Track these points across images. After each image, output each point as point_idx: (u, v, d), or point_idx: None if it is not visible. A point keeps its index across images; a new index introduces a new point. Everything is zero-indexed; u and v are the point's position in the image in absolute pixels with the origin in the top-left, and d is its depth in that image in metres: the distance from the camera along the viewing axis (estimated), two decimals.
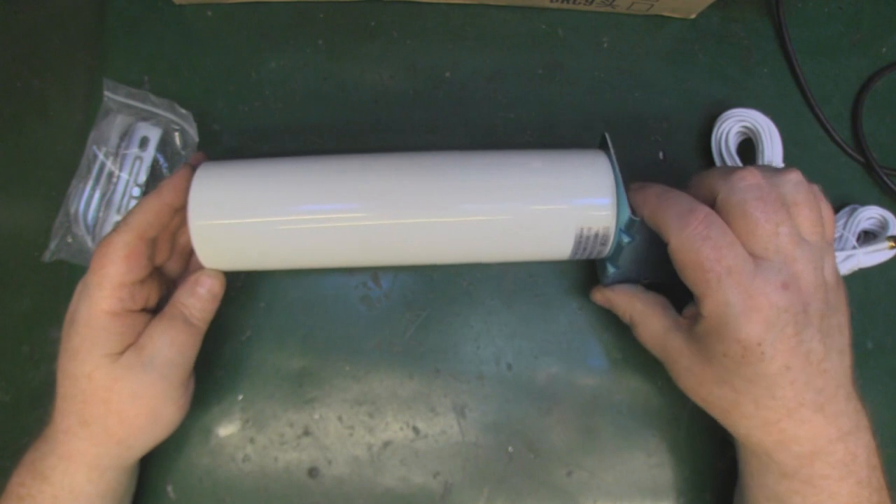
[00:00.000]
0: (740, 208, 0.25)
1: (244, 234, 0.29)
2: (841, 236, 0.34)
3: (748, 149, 0.35)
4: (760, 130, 0.34)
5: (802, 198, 0.26)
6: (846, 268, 0.34)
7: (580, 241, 0.30)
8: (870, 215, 0.34)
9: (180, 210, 0.29)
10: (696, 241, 0.25)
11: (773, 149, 0.34)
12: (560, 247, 0.30)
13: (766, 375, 0.25)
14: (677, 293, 0.29)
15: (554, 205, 0.29)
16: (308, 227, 0.29)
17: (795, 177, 0.26)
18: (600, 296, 0.32)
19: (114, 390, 0.27)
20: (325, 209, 0.29)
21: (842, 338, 0.26)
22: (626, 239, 0.29)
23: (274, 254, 0.30)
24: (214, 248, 0.29)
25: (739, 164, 0.34)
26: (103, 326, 0.27)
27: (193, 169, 0.29)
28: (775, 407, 0.25)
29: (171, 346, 0.28)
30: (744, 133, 0.35)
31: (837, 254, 0.34)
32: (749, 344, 0.24)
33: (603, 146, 0.31)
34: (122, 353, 0.27)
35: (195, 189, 0.29)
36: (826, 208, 0.27)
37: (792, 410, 0.25)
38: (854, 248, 0.34)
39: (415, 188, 0.29)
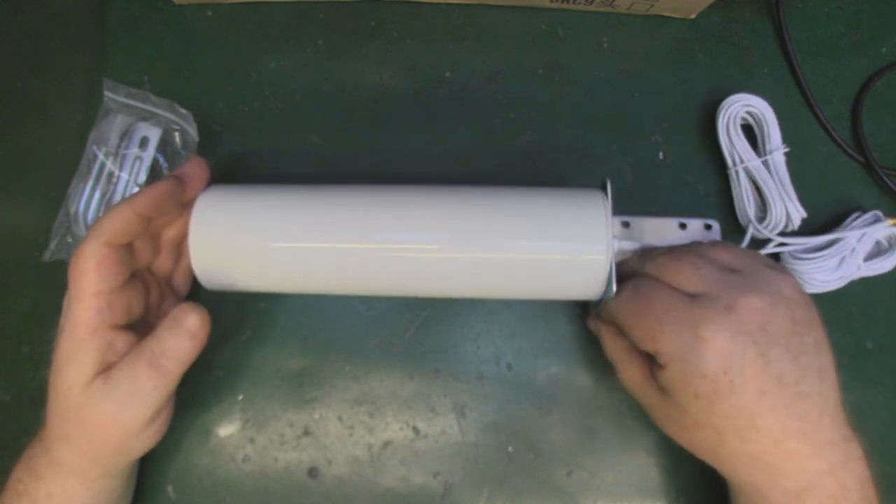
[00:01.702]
0: (659, 269, 0.27)
1: (242, 257, 0.29)
2: (853, 250, 0.34)
3: (747, 136, 0.35)
4: (763, 116, 0.35)
5: (709, 245, 0.28)
6: (845, 277, 0.34)
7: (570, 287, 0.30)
8: (887, 232, 0.34)
9: (154, 219, 0.28)
10: (628, 298, 0.27)
11: (773, 134, 0.34)
12: (551, 289, 0.30)
13: (742, 405, 0.24)
14: None
15: (547, 249, 0.29)
16: (309, 253, 0.29)
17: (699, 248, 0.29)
18: (593, 325, 0.32)
19: (83, 414, 0.26)
20: (323, 238, 0.29)
21: (819, 357, 0.25)
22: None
23: (269, 277, 0.30)
24: (213, 266, 0.30)
25: (746, 144, 0.35)
26: (83, 340, 0.26)
27: (179, 181, 0.29)
28: (759, 439, 0.24)
29: (132, 383, 0.26)
30: (744, 119, 0.35)
31: (834, 260, 0.34)
32: (715, 376, 0.24)
33: (603, 188, 0.30)
34: (98, 374, 0.26)
35: (197, 213, 0.30)
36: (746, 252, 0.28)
37: (777, 441, 0.24)
38: (859, 267, 0.34)
39: (419, 222, 0.29)
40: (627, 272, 0.29)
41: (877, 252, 0.35)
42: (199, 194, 0.30)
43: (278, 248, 0.29)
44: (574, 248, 0.29)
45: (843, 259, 0.33)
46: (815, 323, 0.26)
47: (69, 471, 0.27)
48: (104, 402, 0.26)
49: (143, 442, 0.28)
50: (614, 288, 0.28)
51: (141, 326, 0.30)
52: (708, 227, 0.33)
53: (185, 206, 0.31)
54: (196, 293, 0.34)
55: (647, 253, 0.29)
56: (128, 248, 0.28)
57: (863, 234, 0.34)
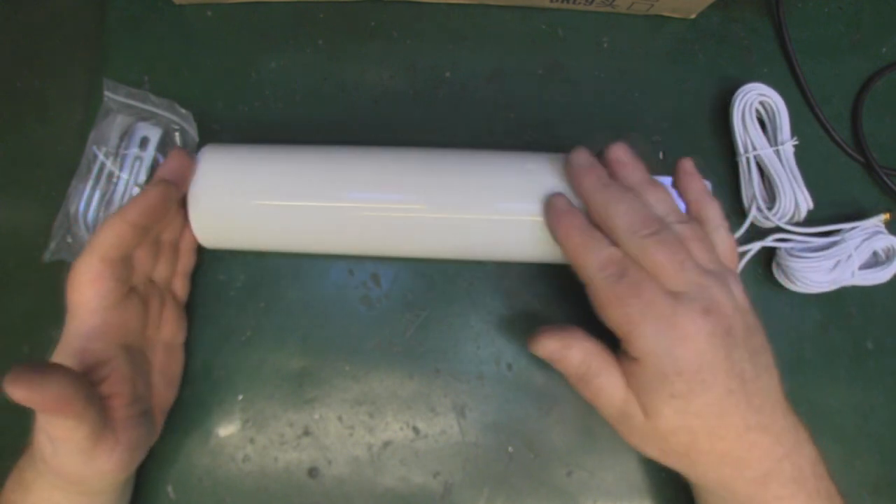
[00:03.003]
0: (643, 253, 0.26)
1: (235, 213, 0.30)
2: (850, 256, 0.34)
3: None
4: (777, 107, 0.35)
5: (691, 233, 0.27)
6: (837, 282, 0.34)
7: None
8: (886, 243, 0.34)
9: (149, 228, 0.28)
10: (614, 280, 0.26)
11: (785, 126, 0.35)
12: (532, 250, 0.31)
13: (714, 403, 0.25)
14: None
15: (530, 211, 0.29)
16: (297, 211, 0.30)
17: (712, 205, 0.29)
18: (554, 343, 0.28)
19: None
20: (312, 196, 0.30)
21: (766, 356, 0.26)
22: None
23: (260, 234, 0.31)
24: (209, 223, 0.30)
25: (760, 132, 0.35)
26: (70, 359, 0.26)
27: (168, 184, 0.28)
28: (727, 436, 0.25)
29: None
30: (756, 111, 0.36)
31: (830, 262, 0.34)
32: (690, 374, 0.25)
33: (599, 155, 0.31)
34: None
35: (199, 167, 0.30)
36: (723, 238, 0.29)
37: (741, 435, 0.25)
38: (853, 274, 0.34)
39: (419, 180, 0.30)
40: (603, 222, 0.27)
41: (873, 262, 0.35)
42: (199, 151, 0.31)
43: (268, 205, 0.30)
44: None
45: (838, 263, 0.34)
46: (759, 326, 0.27)
47: (53, 485, 0.27)
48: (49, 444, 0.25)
49: (105, 473, 0.26)
50: None
51: (142, 340, 0.30)
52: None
53: (180, 206, 0.30)
54: (196, 294, 0.34)
55: (628, 218, 0.26)
56: (124, 262, 0.28)
57: (861, 243, 0.34)
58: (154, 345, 0.31)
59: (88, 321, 0.26)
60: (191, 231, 0.31)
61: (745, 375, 0.25)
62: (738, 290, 0.27)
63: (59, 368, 0.23)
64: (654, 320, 0.25)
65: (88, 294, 0.26)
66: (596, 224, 0.28)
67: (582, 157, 0.29)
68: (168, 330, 0.32)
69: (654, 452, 0.27)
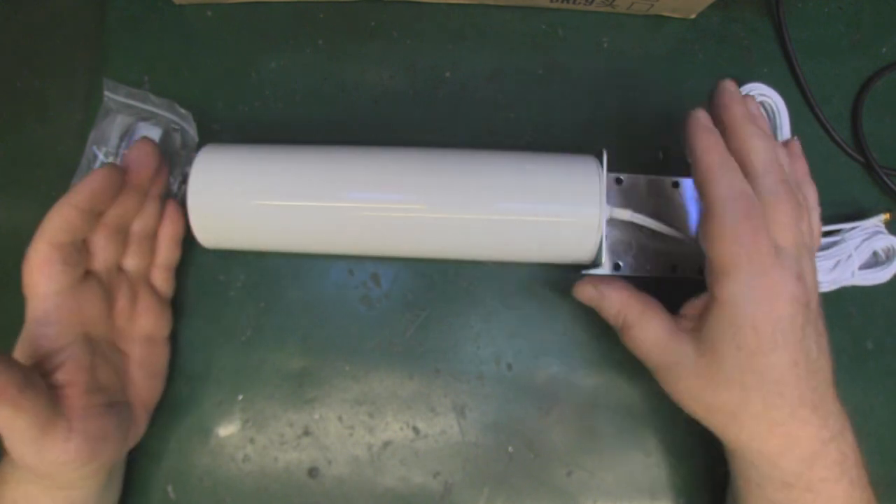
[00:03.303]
0: (772, 198, 0.26)
1: (235, 213, 0.30)
2: (850, 256, 0.34)
3: None
4: (777, 107, 0.35)
5: (812, 204, 0.28)
6: (837, 282, 0.34)
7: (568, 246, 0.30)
8: (887, 244, 0.34)
9: (98, 211, 0.28)
10: (740, 216, 0.25)
11: (785, 125, 0.35)
12: (542, 252, 0.31)
13: (777, 368, 0.25)
14: (661, 294, 0.30)
15: (540, 211, 0.30)
16: (307, 208, 0.30)
17: (812, 187, 0.30)
18: (591, 289, 0.30)
19: None
20: (322, 193, 0.30)
21: (825, 341, 0.27)
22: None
23: (261, 234, 0.31)
24: (208, 222, 0.30)
25: None
26: (27, 343, 0.26)
27: (116, 169, 0.28)
28: (782, 405, 0.25)
29: None
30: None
31: (829, 262, 0.34)
32: (764, 331, 0.25)
33: (599, 156, 0.31)
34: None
35: (195, 169, 0.30)
36: (815, 220, 0.29)
37: (795, 410, 0.25)
38: (853, 274, 0.34)
39: (419, 180, 0.30)
40: (743, 155, 0.27)
41: (873, 262, 0.35)
42: (199, 150, 0.31)
43: (267, 205, 0.30)
44: (566, 211, 0.29)
45: (838, 263, 0.34)
46: (823, 315, 0.27)
47: (27, 479, 0.27)
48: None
49: (62, 463, 0.26)
50: (605, 256, 0.29)
51: (109, 330, 0.29)
52: None
53: (147, 196, 0.30)
54: (196, 294, 0.34)
55: (767, 164, 0.26)
56: (75, 247, 0.27)
57: (861, 243, 0.34)
58: (129, 337, 0.30)
59: (40, 306, 0.26)
60: (172, 224, 0.31)
61: (810, 353, 0.26)
62: (815, 273, 0.27)
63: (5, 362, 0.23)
64: (755, 269, 0.25)
65: (38, 278, 0.26)
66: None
67: (732, 85, 0.29)
68: (145, 322, 0.31)
69: (699, 407, 0.27)
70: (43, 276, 0.26)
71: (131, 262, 0.31)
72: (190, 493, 0.33)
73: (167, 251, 0.32)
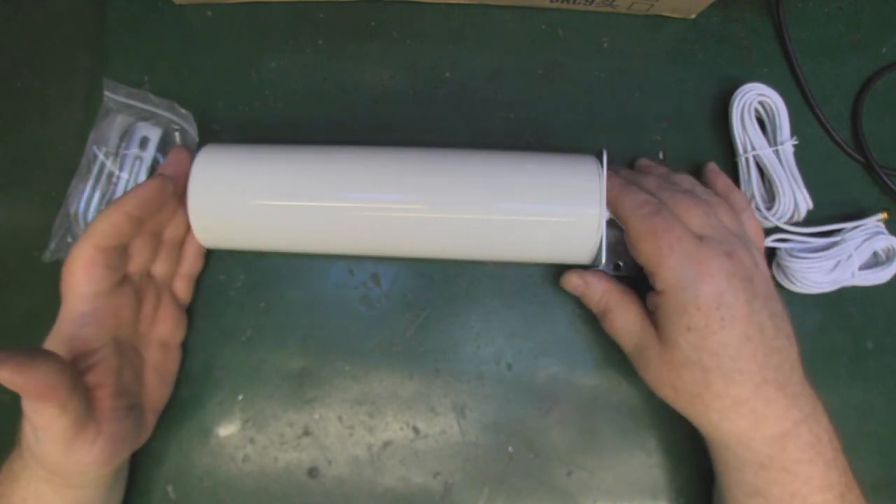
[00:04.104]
0: (674, 200, 0.29)
1: (235, 214, 0.30)
2: (850, 256, 0.34)
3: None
4: (776, 107, 0.35)
5: (719, 203, 0.30)
6: (838, 282, 0.34)
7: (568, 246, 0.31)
8: (887, 244, 0.34)
9: (146, 219, 0.29)
10: (649, 216, 0.28)
11: (784, 125, 0.35)
12: (541, 252, 0.31)
13: (730, 344, 0.26)
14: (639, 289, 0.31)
15: (539, 211, 0.30)
16: (307, 208, 0.30)
17: (738, 193, 0.32)
18: (577, 279, 0.32)
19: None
20: (322, 193, 0.30)
21: (786, 324, 0.28)
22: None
23: (267, 229, 0.31)
24: (209, 222, 0.30)
25: (759, 132, 0.35)
26: (57, 347, 0.26)
27: (166, 179, 0.29)
28: (742, 382, 0.26)
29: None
30: (756, 111, 0.36)
31: (830, 262, 0.34)
32: (708, 309, 0.26)
33: (599, 156, 0.31)
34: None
35: (195, 169, 0.30)
36: (748, 218, 0.31)
37: (758, 386, 0.26)
38: (853, 274, 0.34)
39: (419, 180, 0.30)
40: (646, 189, 0.30)
41: (873, 263, 0.35)
42: (199, 150, 0.31)
43: (267, 205, 0.30)
44: (566, 211, 0.29)
45: (838, 263, 0.34)
46: (780, 301, 0.28)
47: (39, 477, 0.27)
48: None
49: (85, 465, 0.26)
50: (604, 256, 0.30)
51: (134, 334, 0.30)
52: None
53: (181, 203, 0.31)
54: (196, 294, 0.34)
55: (667, 182, 0.31)
56: (118, 251, 0.28)
57: (862, 243, 0.34)
58: (148, 341, 0.31)
59: (79, 307, 0.27)
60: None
61: (765, 330, 0.26)
62: (760, 260, 0.29)
63: (47, 355, 0.23)
64: (680, 254, 0.27)
65: (80, 279, 0.27)
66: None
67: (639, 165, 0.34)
68: (164, 328, 0.31)
69: (667, 391, 0.28)
70: (86, 277, 0.27)
71: (160, 269, 0.31)
72: (190, 493, 0.33)
73: (193, 260, 0.33)
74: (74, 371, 0.25)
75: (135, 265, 0.30)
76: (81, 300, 0.27)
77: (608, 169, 0.30)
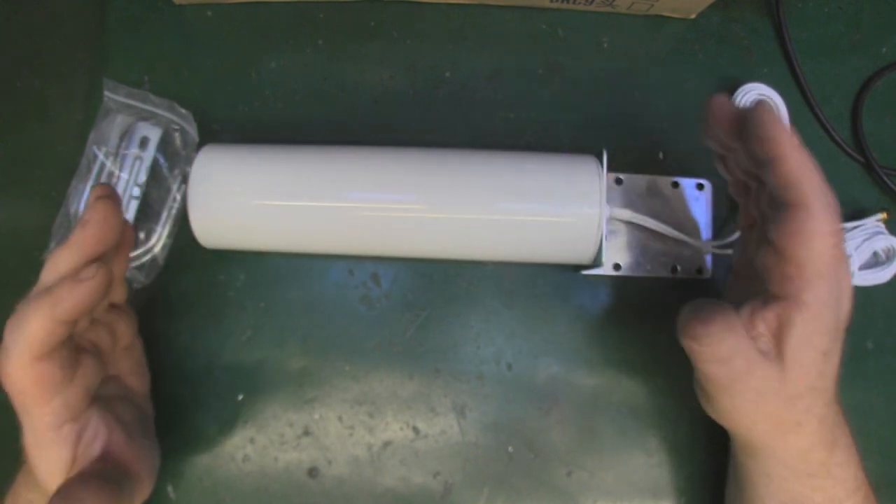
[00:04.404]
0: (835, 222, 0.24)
1: (234, 214, 0.30)
2: (850, 256, 0.34)
3: None
4: (777, 107, 0.35)
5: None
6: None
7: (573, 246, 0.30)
8: (887, 244, 0.34)
9: (83, 317, 0.25)
10: (833, 215, 0.24)
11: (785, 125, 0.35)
12: (543, 252, 0.31)
13: (839, 354, 0.24)
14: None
15: (540, 211, 0.30)
16: (306, 208, 0.30)
17: None
18: (702, 330, 0.24)
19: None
20: (321, 193, 0.30)
21: None
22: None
23: (267, 229, 0.31)
24: (208, 223, 0.30)
25: None
26: (51, 441, 0.24)
27: (107, 274, 0.24)
28: (827, 398, 0.25)
29: None
30: None
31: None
32: (838, 329, 0.24)
33: (599, 156, 0.31)
34: (75, 459, 0.25)
35: (195, 171, 0.30)
36: None
37: (831, 402, 0.25)
38: (853, 274, 0.34)
39: (419, 180, 0.30)
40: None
41: (873, 263, 0.35)
42: (199, 150, 0.31)
43: (267, 205, 0.30)
44: (566, 211, 0.29)
45: None
46: None
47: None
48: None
49: (142, 498, 0.28)
50: (605, 256, 0.30)
51: (102, 372, 0.28)
52: (700, 186, 0.34)
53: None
54: (196, 294, 0.34)
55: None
56: (63, 345, 0.24)
57: (862, 243, 0.34)
58: (113, 360, 0.29)
59: (48, 409, 0.24)
60: (127, 244, 0.28)
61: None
62: None
63: (81, 487, 0.23)
64: (839, 271, 0.23)
65: (36, 393, 0.23)
66: None
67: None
68: (121, 338, 0.29)
69: (765, 424, 0.25)
70: (42, 389, 0.23)
71: (99, 306, 0.27)
72: (190, 493, 0.33)
73: (120, 266, 0.28)
74: (98, 465, 0.24)
75: (79, 327, 0.26)
76: (47, 405, 0.24)
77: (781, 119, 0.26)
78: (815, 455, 0.26)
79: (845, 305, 0.24)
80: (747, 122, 0.25)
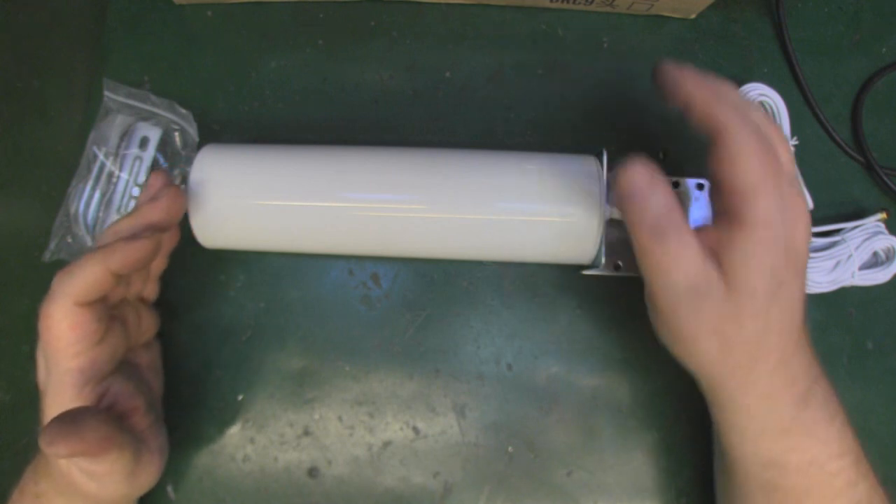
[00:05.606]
0: (766, 128, 0.25)
1: (235, 214, 0.30)
2: (850, 256, 0.34)
3: None
4: (777, 107, 0.35)
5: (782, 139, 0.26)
6: (838, 282, 0.34)
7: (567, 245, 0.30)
8: (887, 244, 0.34)
9: (126, 276, 0.27)
10: (755, 133, 0.24)
11: (785, 126, 0.35)
12: (542, 252, 0.31)
13: (794, 298, 0.24)
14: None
15: (539, 211, 0.30)
16: (306, 208, 0.30)
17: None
18: (641, 178, 0.24)
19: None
20: (322, 193, 0.30)
21: None
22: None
23: (267, 229, 0.31)
24: (208, 223, 0.30)
25: None
26: (71, 404, 0.25)
27: (159, 235, 0.26)
28: (791, 337, 0.24)
29: None
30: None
31: (830, 262, 0.34)
32: (793, 255, 0.23)
33: (599, 156, 0.31)
34: None
35: (195, 170, 0.30)
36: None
37: (797, 342, 0.24)
38: (853, 274, 0.34)
39: (419, 180, 0.30)
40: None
41: (873, 263, 0.35)
42: (199, 150, 0.31)
43: (267, 205, 0.30)
44: (566, 211, 0.29)
45: (838, 263, 0.34)
46: None
47: (64, 493, 0.27)
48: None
49: (146, 485, 0.28)
50: (604, 256, 0.29)
51: (126, 350, 0.29)
52: (700, 186, 0.34)
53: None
54: (196, 294, 0.34)
55: (746, 113, 0.25)
56: (102, 302, 0.26)
57: (862, 243, 0.34)
58: (136, 349, 0.30)
59: (75, 363, 0.25)
60: (172, 239, 0.30)
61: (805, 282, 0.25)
62: None
63: (84, 412, 0.23)
64: (779, 188, 0.23)
65: (70, 339, 0.24)
66: None
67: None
68: (146, 333, 0.31)
69: (710, 344, 0.24)
70: (76, 336, 0.25)
71: (134, 287, 0.30)
72: (190, 493, 0.33)
73: (161, 262, 0.31)
74: (113, 413, 0.25)
75: (116, 296, 0.28)
76: (76, 357, 0.25)
77: (683, 68, 0.26)
78: (784, 406, 0.24)
79: (800, 228, 0.24)
80: (656, 83, 0.27)
